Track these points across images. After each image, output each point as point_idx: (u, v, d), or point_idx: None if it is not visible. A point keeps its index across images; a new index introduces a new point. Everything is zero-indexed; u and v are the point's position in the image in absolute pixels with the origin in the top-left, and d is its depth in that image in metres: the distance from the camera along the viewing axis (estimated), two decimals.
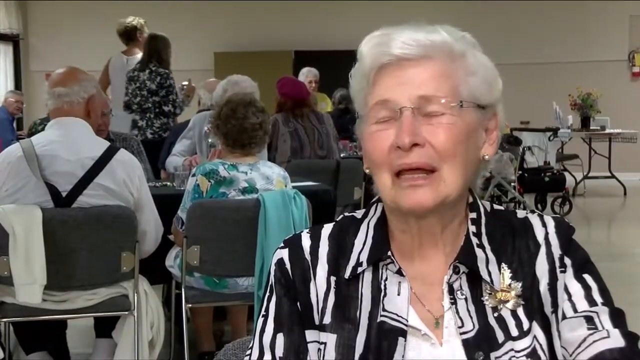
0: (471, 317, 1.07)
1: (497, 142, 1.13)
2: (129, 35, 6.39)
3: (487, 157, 1.11)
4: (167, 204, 3.33)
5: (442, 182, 1.05)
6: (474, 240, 1.10)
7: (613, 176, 10.08)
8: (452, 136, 1.04)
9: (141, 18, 6.50)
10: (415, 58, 1.06)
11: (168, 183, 4.04)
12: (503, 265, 1.09)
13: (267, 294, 1.14)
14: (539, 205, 8.57)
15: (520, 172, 8.12)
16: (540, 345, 1.07)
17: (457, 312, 1.07)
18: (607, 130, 9.96)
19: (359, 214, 1.18)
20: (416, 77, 1.05)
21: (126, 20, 6.44)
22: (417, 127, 1.04)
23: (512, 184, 7.72)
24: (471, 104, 1.07)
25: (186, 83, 6.28)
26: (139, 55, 6.20)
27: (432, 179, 1.04)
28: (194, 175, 3.25)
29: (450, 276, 1.09)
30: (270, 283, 1.14)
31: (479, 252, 1.09)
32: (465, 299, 1.08)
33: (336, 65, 8.34)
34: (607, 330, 1.04)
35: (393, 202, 1.08)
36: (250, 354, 1.12)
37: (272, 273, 1.14)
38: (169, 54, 6.08)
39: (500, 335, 1.06)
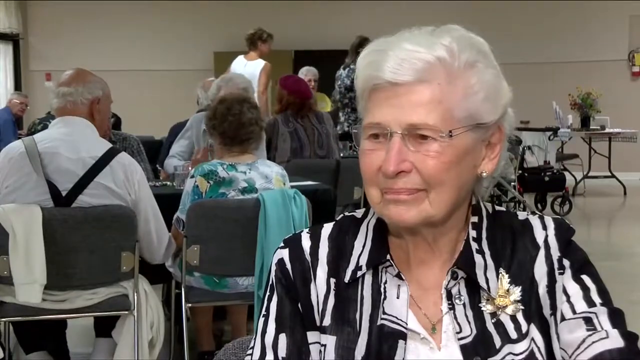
0: (469, 323, 1.07)
1: (500, 155, 1.10)
2: (252, 41, 7.27)
3: (484, 174, 1.09)
4: (167, 204, 3.32)
5: (427, 202, 1.04)
6: (474, 245, 1.10)
7: (613, 176, 10.08)
8: (440, 164, 1.02)
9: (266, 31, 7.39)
10: (407, 83, 1.02)
11: (168, 183, 4.04)
12: (501, 270, 1.09)
13: (268, 293, 1.14)
14: (538, 205, 8.56)
15: (520, 171, 8.12)
16: (538, 348, 1.06)
17: (455, 318, 1.07)
18: (607, 130, 9.96)
19: (358, 213, 1.18)
20: (407, 103, 1.02)
21: (253, 30, 7.36)
22: (405, 153, 1.02)
23: (512, 183, 7.72)
24: (467, 127, 1.03)
25: None
26: (256, 60, 7.13)
27: (417, 197, 1.03)
28: (192, 176, 3.24)
29: (449, 282, 1.09)
30: (270, 283, 1.14)
31: (477, 257, 1.09)
32: (464, 304, 1.08)
33: (336, 65, 8.35)
34: (606, 330, 1.03)
35: (380, 215, 1.08)
36: (251, 354, 1.12)
37: (273, 273, 1.14)
38: None
39: (497, 341, 1.06)
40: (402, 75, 1.02)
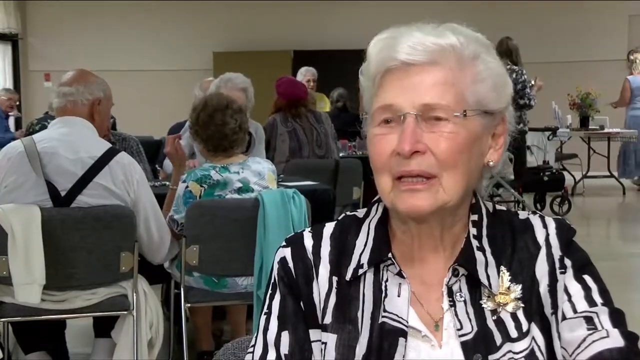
0: (470, 320, 1.07)
1: (504, 147, 1.12)
2: None
3: (491, 163, 1.11)
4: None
5: (441, 189, 1.04)
6: (475, 242, 1.10)
7: (612, 175, 10.08)
8: (454, 145, 1.03)
9: None
10: (421, 64, 1.04)
11: (167, 183, 4.03)
12: (502, 268, 1.09)
13: (270, 292, 1.14)
14: (538, 205, 8.56)
15: None
16: (539, 346, 1.07)
17: (456, 315, 1.07)
18: (606, 130, 9.96)
19: (360, 213, 1.18)
20: (421, 84, 1.04)
21: None
22: (419, 134, 1.03)
23: None
24: (477, 111, 1.06)
25: (536, 79, 7.25)
26: None
27: (431, 184, 1.04)
28: (184, 181, 3.23)
29: (450, 279, 1.09)
30: (272, 281, 1.14)
31: (478, 255, 1.09)
32: (464, 301, 1.08)
33: (335, 65, 8.37)
34: (606, 330, 1.04)
35: (391, 205, 1.08)
36: (253, 352, 1.12)
37: (275, 271, 1.14)
38: (519, 55, 7.21)
39: (498, 338, 1.06)
40: (416, 56, 1.04)
